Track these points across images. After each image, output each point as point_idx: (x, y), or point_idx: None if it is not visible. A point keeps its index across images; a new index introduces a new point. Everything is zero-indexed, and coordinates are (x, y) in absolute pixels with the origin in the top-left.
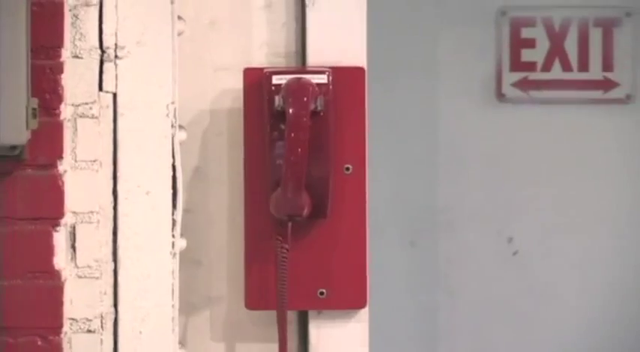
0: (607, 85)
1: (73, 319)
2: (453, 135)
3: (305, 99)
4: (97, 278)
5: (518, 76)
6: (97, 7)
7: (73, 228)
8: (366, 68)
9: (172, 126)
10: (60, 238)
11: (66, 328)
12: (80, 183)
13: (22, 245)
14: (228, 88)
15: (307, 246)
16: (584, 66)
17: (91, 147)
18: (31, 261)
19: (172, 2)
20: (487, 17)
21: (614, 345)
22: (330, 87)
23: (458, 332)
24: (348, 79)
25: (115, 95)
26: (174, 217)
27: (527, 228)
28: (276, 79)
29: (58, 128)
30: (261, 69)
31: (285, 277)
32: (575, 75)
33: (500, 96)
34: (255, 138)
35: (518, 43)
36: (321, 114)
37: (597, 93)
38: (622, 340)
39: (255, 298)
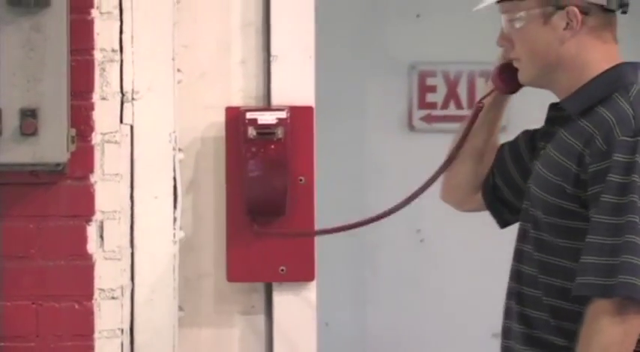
0: None
1: (101, 289)
2: (377, 155)
3: None
4: (119, 259)
5: (424, 112)
6: (119, 62)
7: (101, 222)
8: (314, 107)
9: (173, 149)
10: (92, 230)
11: (96, 296)
12: (106, 191)
13: (64, 235)
14: (214, 121)
15: (272, 236)
16: (472, 105)
17: (114, 165)
18: (70, 247)
19: (173, 59)
20: (401, 70)
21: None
22: (288, 120)
23: (380, 299)
24: (301, 114)
25: (132, 126)
26: (175, 215)
27: (431, 222)
28: (249, 115)
29: (90, 150)
30: (238, 108)
31: None
32: (466, 111)
33: (411, 127)
34: (233, 158)
35: (424, 89)
36: (282, 140)
37: None
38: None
39: (234, 273)
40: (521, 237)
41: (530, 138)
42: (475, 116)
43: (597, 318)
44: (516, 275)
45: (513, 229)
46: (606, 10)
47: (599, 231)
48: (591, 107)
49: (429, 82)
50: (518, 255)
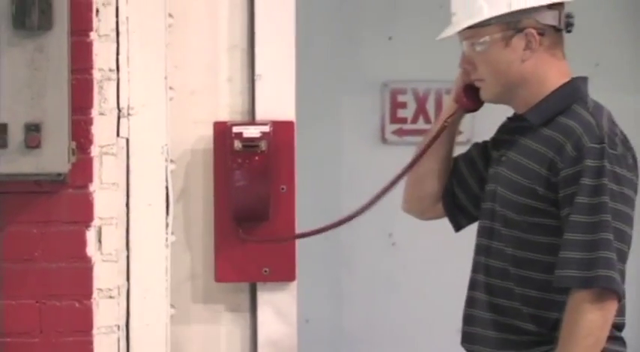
0: None
1: (99, 289)
2: (352, 166)
3: None
4: (116, 261)
5: (395, 126)
6: (116, 81)
7: (100, 228)
8: (295, 121)
9: (166, 160)
10: (91, 235)
11: (95, 295)
12: (104, 198)
13: (65, 239)
14: (203, 134)
15: (255, 242)
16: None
17: (111, 174)
18: (71, 250)
19: (165, 78)
20: (375, 87)
21: (458, 307)
22: (271, 134)
23: (356, 297)
24: (283, 128)
25: (127, 140)
26: (167, 221)
27: (402, 227)
28: (235, 129)
29: (89, 162)
30: (225, 122)
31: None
32: None
33: (384, 140)
34: (221, 168)
35: (396, 105)
36: (265, 152)
37: None
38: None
39: (221, 274)
40: (488, 234)
41: (483, 148)
42: (440, 133)
43: (580, 306)
44: (484, 269)
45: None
46: (557, 30)
47: (577, 228)
48: (553, 117)
49: (400, 98)
50: (485, 251)
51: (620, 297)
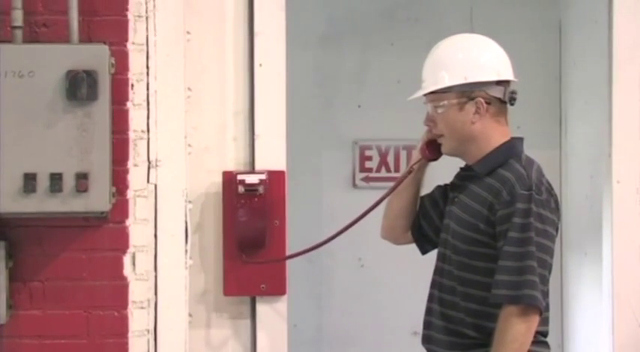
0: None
1: (133, 301)
2: (330, 206)
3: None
4: (146, 280)
5: (363, 174)
6: (146, 140)
7: (134, 254)
8: (285, 171)
9: (185, 201)
10: (127, 259)
11: (130, 306)
12: (137, 231)
13: (107, 263)
14: (214, 181)
15: (254, 263)
16: (398, 169)
17: (143, 212)
18: (112, 271)
19: (185, 137)
20: (347, 144)
21: (417, 317)
22: (267, 181)
23: (332, 307)
24: (276, 176)
25: (155, 185)
26: (187, 248)
27: (369, 253)
28: (239, 177)
29: (125, 203)
30: (232, 171)
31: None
32: (393, 174)
33: (354, 185)
34: (228, 207)
35: (364, 158)
36: (262, 194)
37: None
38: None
39: (228, 289)
40: (442, 258)
41: (444, 190)
42: (405, 177)
43: (509, 318)
44: (438, 286)
45: (426, 259)
46: (502, 102)
47: (508, 257)
48: (494, 169)
49: (367, 153)
50: (440, 272)
51: (541, 312)
